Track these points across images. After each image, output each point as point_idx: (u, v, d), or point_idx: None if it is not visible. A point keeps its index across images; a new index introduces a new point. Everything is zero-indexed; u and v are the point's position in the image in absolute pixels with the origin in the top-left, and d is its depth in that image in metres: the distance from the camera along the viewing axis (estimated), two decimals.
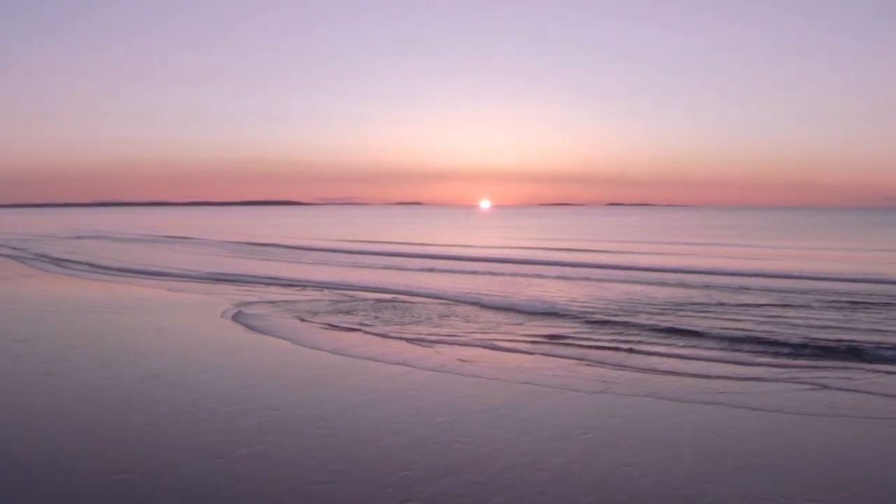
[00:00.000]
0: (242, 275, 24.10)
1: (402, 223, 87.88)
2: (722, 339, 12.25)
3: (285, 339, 12.58)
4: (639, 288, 19.95)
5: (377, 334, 13.09)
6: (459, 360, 10.88)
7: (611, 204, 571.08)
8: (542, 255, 32.12)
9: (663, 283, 20.95)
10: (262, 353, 11.52)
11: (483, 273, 24.71)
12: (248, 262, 30.14)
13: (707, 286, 20.24)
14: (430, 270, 25.62)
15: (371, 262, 29.20)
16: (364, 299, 18.01)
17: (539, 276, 23.82)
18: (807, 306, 16.35)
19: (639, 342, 12.19)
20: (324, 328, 13.80)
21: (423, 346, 12.00)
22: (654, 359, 11.00)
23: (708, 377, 9.84)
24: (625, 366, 10.50)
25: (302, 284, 21.45)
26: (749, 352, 11.42)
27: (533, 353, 11.42)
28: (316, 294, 19.27)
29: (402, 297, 18.23)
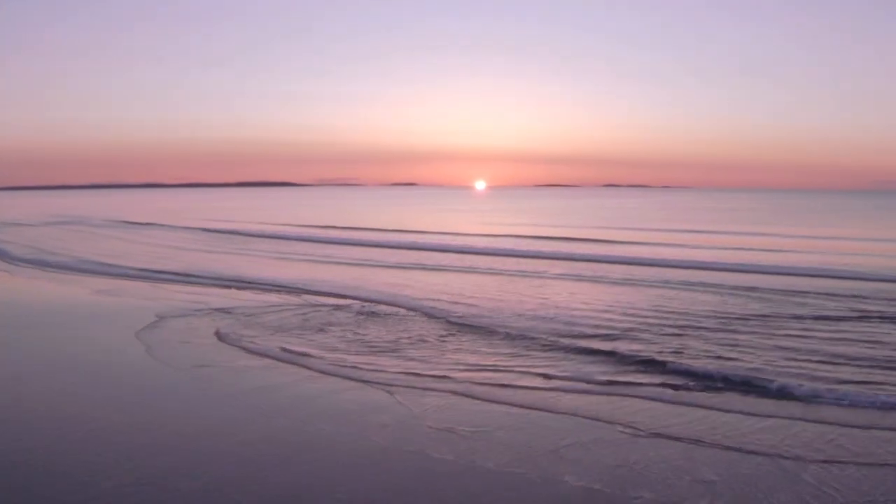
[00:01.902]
0: (194, 274, 20.36)
1: (395, 206, 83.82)
2: (846, 403, 8.43)
3: (200, 380, 8.95)
4: (674, 293, 16.26)
5: (329, 372, 9.49)
6: (453, 429, 7.24)
7: (607, 185, 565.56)
8: (548, 247, 28.19)
9: (702, 286, 17.23)
10: (159, 410, 7.92)
11: (481, 271, 21.00)
12: (211, 255, 26.40)
13: (754, 289, 16.63)
14: (418, 268, 21.89)
15: (350, 256, 25.43)
16: (329, 307, 14.36)
17: (547, 274, 20.14)
18: (890, 319, 12.92)
19: (719, 389, 8.60)
20: (261, 360, 10.15)
21: (395, 396, 8.36)
22: (747, 424, 7.38)
23: (858, 462, 6.24)
24: (729, 446, 6.82)
25: (262, 285, 17.75)
26: (882, 408, 7.82)
27: (560, 413, 7.79)
28: (273, 299, 15.60)
29: (377, 307, 14.54)
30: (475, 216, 58.78)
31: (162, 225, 45.30)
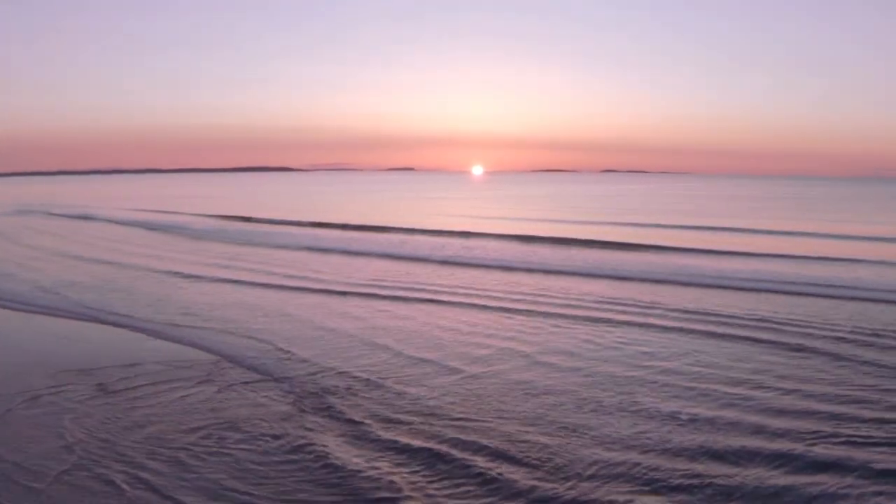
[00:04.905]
0: (79, 306, 13.83)
1: (385, 192, 76.78)
2: None
3: None
4: (865, 371, 9.70)
5: None
6: None
7: (605, 171, 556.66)
8: (574, 256, 21.37)
9: (882, 342, 10.71)
10: None
11: (484, 302, 14.39)
12: (125, 271, 19.82)
13: None
14: (390, 294, 15.21)
15: (310, 271, 18.83)
16: (216, 387, 7.88)
17: (587, 308, 13.57)
18: None
19: None
20: None
21: None
22: None
23: None
24: None
25: (152, 330, 11.28)
26: None
27: None
28: (169, 352, 9.15)
29: (306, 402, 8.00)
30: (474, 206, 51.93)
31: (107, 219, 38.61)
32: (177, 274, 17.52)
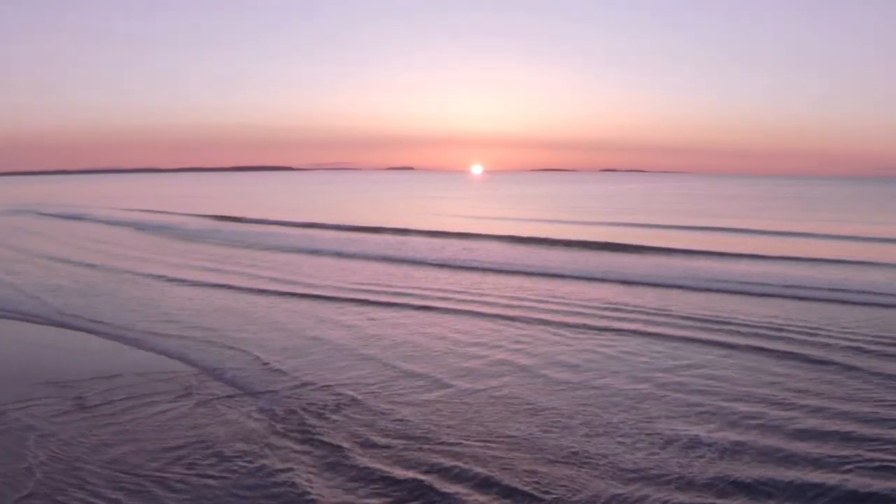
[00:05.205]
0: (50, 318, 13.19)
1: (384, 192, 75.92)
2: None
3: None
4: None
5: None
6: None
7: (605, 170, 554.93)
8: (577, 258, 20.92)
9: None
10: None
11: (482, 309, 13.78)
12: (111, 275, 19.20)
13: None
14: (385, 301, 14.63)
15: (294, 274, 18.18)
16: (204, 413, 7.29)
17: (591, 314, 12.90)
18: None
19: None
20: None
21: None
22: None
23: None
24: None
25: (135, 339, 10.64)
26: None
27: None
28: (148, 363, 8.50)
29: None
30: (473, 206, 51.25)
31: (100, 220, 37.98)
32: (164, 278, 16.88)
